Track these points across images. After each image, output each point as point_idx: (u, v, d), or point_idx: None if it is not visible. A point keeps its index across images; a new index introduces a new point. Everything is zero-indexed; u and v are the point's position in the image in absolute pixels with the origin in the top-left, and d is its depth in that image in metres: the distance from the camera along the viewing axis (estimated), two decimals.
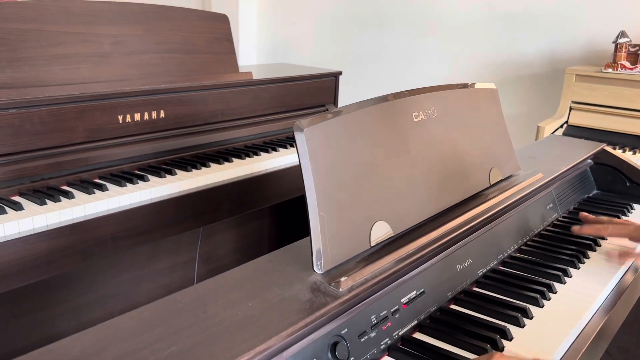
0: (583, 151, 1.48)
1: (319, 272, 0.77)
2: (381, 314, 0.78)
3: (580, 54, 2.70)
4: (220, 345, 0.60)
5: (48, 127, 1.47)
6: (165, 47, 1.83)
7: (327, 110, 2.32)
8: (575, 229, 1.16)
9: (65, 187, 1.46)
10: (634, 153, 2.17)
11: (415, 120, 0.97)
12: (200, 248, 2.04)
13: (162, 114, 1.72)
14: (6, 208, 1.29)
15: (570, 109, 2.39)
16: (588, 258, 1.12)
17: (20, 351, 0.58)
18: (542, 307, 0.92)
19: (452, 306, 0.92)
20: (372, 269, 0.79)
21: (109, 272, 1.76)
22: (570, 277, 1.03)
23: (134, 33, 1.74)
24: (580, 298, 0.96)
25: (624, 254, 1.07)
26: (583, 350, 0.83)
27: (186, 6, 1.96)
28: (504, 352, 0.77)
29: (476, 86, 1.18)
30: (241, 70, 2.09)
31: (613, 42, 2.36)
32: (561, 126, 2.38)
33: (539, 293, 0.94)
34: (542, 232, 1.23)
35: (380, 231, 0.86)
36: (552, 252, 1.11)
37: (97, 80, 1.64)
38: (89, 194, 1.42)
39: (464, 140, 1.09)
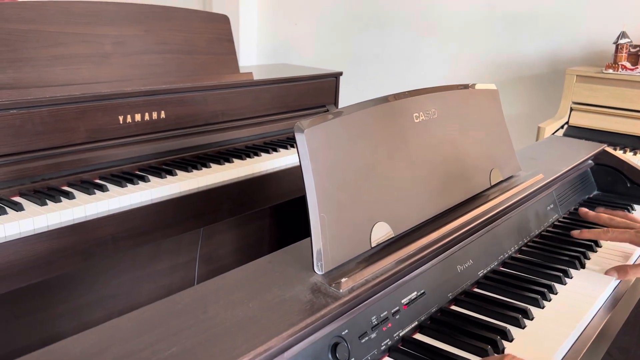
0: (584, 152, 1.48)
1: (319, 272, 0.77)
2: (382, 315, 0.78)
3: (581, 55, 2.70)
4: (221, 346, 0.60)
5: (49, 127, 1.47)
6: (165, 48, 1.83)
7: (327, 110, 2.32)
8: (575, 233, 1.15)
9: (66, 188, 1.46)
10: (635, 154, 2.17)
11: (415, 121, 0.97)
12: (200, 248, 2.04)
13: (162, 115, 1.72)
14: (7, 208, 1.29)
15: (571, 109, 2.39)
16: (589, 259, 1.12)
17: (21, 351, 0.58)
18: (543, 308, 0.92)
19: (453, 307, 0.91)
20: (373, 269, 0.79)
21: (109, 273, 1.76)
22: (571, 278, 1.03)
23: (134, 33, 1.74)
24: (580, 299, 0.96)
25: (622, 271, 1.05)
26: (584, 351, 0.83)
27: (187, 7, 1.96)
28: (509, 353, 0.77)
29: (477, 87, 1.18)
30: (242, 70, 2.09)
31: (614, 43, 2.36)
32: (562, 127, 2.38)
33: (540, 294, 0.94)
34: (543, 232, 1.23)
35: (381, 232, 0.86)
36: (553, 253, 1.11)
37: (97, 80, 1.64)
38: (90, 194, 1.42)
39: (464, 141, 1.09)
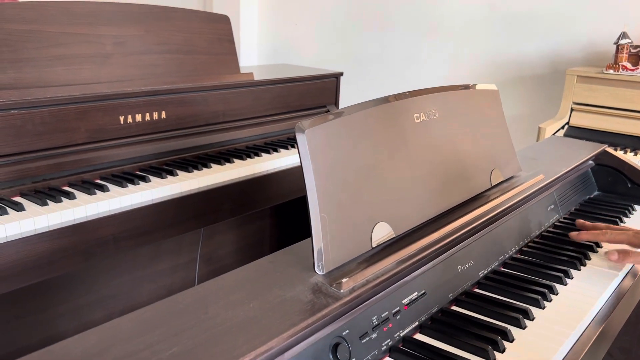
0: (584, 152, 1.48)
1: (320, 273, 0.77)
2: (382, 315, 0.78)
3: (582, 55, 2.70)
4: (222, 346, 0.60)
5: (49, 127, 1.47)
6: (166, 48, 1.83)
7: (328, 111, 2.32)
8: (573, 235, 1.15)
9: (67, 188, 1.46)
10: (636, 154, 2.17)
11: (416, 121, 0.97)
12: (201, 249, 2.04)
13: (163, 115, 1.72)
14: (7, 209, 1.30)
15: (572, 110, 2.39)
16: (589, 259, 1.12)
17: (22, 352, 0.58)
18: (544, 308, 0.92)
19: (453, 307, 0.92)
20: (374, 270, 0.79)
21: (110, 273, 1.76)
22: (572, 278, 1.03)
23: (135, 34, 1.75)
24: (581, 299, 0.96)
25: (623, 253, 1.06)
26: (584, 351, 0.83)
27: (187, 7, 1.96)
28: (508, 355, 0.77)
29: (477, 87, 1.18)
30: (242, 71, 2.09)
31: (614, 43, 2.36)
32: (562, 127, 2.38)
33: (540, 294, 0.94)
34: (544, 233, 1.23)
35: (382, 232, 0.86)
36: (554, 254, 1.11)
37: (98, 80, 1.64)
38: (91, 194, 1.42)
39: (465, 142, 1.09)
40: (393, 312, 0.80)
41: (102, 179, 1.55)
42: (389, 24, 3.27)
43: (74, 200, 1.39)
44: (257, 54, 3.85)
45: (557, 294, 0.97)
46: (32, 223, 1.27)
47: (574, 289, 0.99)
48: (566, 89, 2.40)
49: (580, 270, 1.07)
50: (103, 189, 1.46)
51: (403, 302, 0.82)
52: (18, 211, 1.29)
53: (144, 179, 1.55)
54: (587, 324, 0.90)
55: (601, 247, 1.18)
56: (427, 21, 3.13)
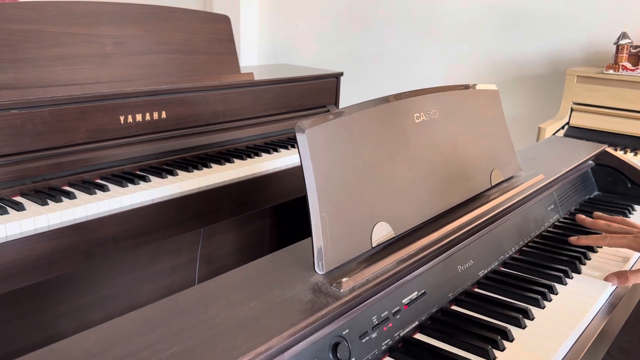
0: (584, 152, 1.48)
1: (320, 272, 0.77)
2: (382, 315, 0.78)
3: (582, 55, 2.70)
4: (222, 346, 0.60)
5: (50, 127, 1.47)
6: (166, 48, 1.83)
7: (328, 111, 2.32)
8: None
9: (67, 188, 1.46)
10: (635, 154, 2.17)
11: (416, 121, 0.98)
12: (201, 249, 2.04)
13: (163, 115, 1.72)
14: (8, 208, 1.30)
15: (572, 110, 2.39)
16: (589, 259, 1.12)
17: (22, 352, 0.58)
18: (543, 308, 0.92)
19: (453, 307, 0.92)
20: (374, 269, 0.79)
21: (110, 273, 1.76)
22: (572, 278, 1.03)
23: (135, 34, 1.75)
24: (581, 299, 0.96)
25: (622, 277, 1.05)
26: (584, 351, 0.83)
27: (187, 7, 1.96)
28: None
29: (477, 87, 1.18)
30: (242, 71, 2.10)
31: (614, 44, 2.36)
32: (562, 127, 2.38)
33: (540, 294, 0.94)
34: (543, 233, 1.23)
35: (382, 232, 0.86)
36: (553, 254, 1.11)
37: (98, 80, 1.64)
38: (91, 194, 1.43)
39: (465, 141, 1.09)
40: (393, 311, 0.80)
41: (102, 178, 1.55)
42: (388, 24, 3.27)
43: (74, 200, 1.39)
44: (257, 54, 3.85)
45: (556, 294, 0.97)
46: (33, 223, 1.27)
47: (573, 289, 1.00)
48: (566, 89, 2.40)
49: (580, 270, 1.07)
50: (103, 188, 1.46)
51: (403, 301, 0.82)
52: (18, 211, 1.29)
53: (144, 179, 1.55)
54: (587, 324, 0.90)
55: (601, 247, 1.18)
56: (427, 21, 3.13)
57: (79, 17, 1.63)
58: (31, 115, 1.43)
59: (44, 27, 1.55)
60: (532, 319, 0.89)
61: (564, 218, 1.33)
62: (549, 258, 1.10)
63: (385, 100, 0.93)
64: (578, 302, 0.95)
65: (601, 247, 1.17)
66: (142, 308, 0.67)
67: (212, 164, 1.73)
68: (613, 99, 2.28)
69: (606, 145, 1.55)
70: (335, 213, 0.79)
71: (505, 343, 0.82)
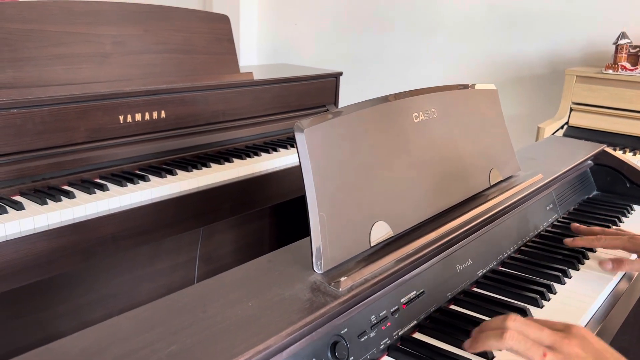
0: (583, 152, 1.48)
1: (318, 271, 0.77)
2: (381, 314, 0.78)
3: (581, 55, 2.70)
4: (220, 345, 0.60)
5: (49, 127, 1.47)
6: (165, 48, 1.83)
7: (327, 110, 2.32)
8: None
9: (66, 187, 1.46)
10: (634, 154, 2.17)
11: (415, 120, 0.98)
12: (200, 248, 2.04)
13: (163, 114, 1.73)
14: (7, 208, 1.30)
15: (571, 110, 2.40)
16: (587, 259, 1.12)
17: (21, 351, 0.58)
18: (542, 307, 0.93)
19: (452, 306, 0.92)
20: (372, 269, 0.79)
21: (110, 272, 1.77)
22: (570, 277, 1.04)
23: (134, 33, 1.75)
24: (579, 298, 0.96)
25: (617, 262, 1.05)
26: None
27: (187, 6, 1.96)
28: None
29: (476, 87, 1.18)
30: (242, 70, 2.10)
31: (613, 44, 2.36)
32: (561, 127, 2.39)
33: (539, 294, 0.95)
34: (542, 232, 1.23)
35: (380, 231, 0.86)
36: (552, 253, 1.12)
37: (98, 80, 1.64)
38: (90, 193, 1.43)
39: (464, 141, 1.09)
40: (391, 310, 0.80)
41: (101, 178, 1.56)
42: (388, 23, 3.27)
43: (74, 199, 1.39)
44: (256, 54, 3.85)
45: (555, 293, 0.97)
46: (32, 222, 1.27)
47: (572, 289, 1.00)
48: (565, 88, 2.40)
49: (578, 269, 1.07)
50: (102, 188, 1.46)
51: (401, 301, 0.83)
52: (18, 210, 1.30)
53: (143, 179, 1.55)
54: (585, 323, 0.90)
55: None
56: (426, 21, 3.13)
57: (78, 16, 1.63)
58: (31, 114, 1.43)
59: (44, 27, 1.55)
60: None
61: (563, 218, 1.33)
62: (547, 258, 1.10)
63: (384, 99, 0.93)
64: (576, 302, 0.95)
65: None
66: (140, 307, 0.67)
67: (212, 164, 1.73)
68: (612, 98, 2.28)
69: (605, 145, 1.55)
70: (334, 212, 0.79)
71: None
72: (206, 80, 1.88)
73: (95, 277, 1.72)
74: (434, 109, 1.03)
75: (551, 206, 1.30)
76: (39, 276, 1.29)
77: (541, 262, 1.07)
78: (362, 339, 0.75)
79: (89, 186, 1.45)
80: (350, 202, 0.82)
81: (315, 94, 2.29)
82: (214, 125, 1.90)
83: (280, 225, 2.36)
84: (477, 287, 0.98)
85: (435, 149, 1.01)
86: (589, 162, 1.51)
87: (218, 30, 2.00)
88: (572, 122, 2.38)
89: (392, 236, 0.88)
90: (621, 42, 2.33)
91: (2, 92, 1.41)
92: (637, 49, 2.34)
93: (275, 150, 1.94)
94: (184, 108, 1.79)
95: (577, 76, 2.37)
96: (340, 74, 2.39)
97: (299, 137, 0.77)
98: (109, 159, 1.60)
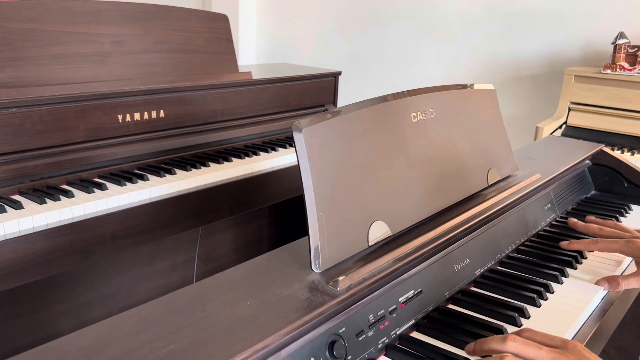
0: (581, 152, 1.49)
1: (317, 271, 0.77)
2: (379, 313, 0.79)
3: (579, 55, 2.70)
4: (219, 344, 0.60)
5: (48, 126, 1.47)
6: (164, 47, 1.83)
7: (326, 110, 2.32)
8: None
9: (65, 186, 1.46)
10: (633, 154, 2.17)
11: (414, 120, 0.98)
12: (199, 247, 2.04)
13: (161, 114, 1.73)
14: (6, 207, 1.30)
15: (569, 109, 2.40)
16: (585, 258, 1.12)
17: (20, 350, 0.58)
18: (540, 306, 0.93)
19: (450, 306, 0.92)
20: (370, 268, 0.80)
21: (109, 272, 1.77)
22: (568, 277, 1.04)
23: (133, 33, 1.75)
24: (577, 298, 0.96)
25: (613, 282, 1.04)
26: None
27: (186, 6, 1.96)
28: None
29: (475, 87, 1.18)
30: (241, 70, 2.10)
31: (612, 43, 2.37)
32: (560, 127, 2.39)
33: (537, 293, 0.95)
34: (540, 232, 1.23)
35: (378, 231, 0.86)
36: (550, 252, 1.12)
37: (97, 79, 1.64)
38: (89, 193, 1.43)
39: (462, 141, 1.09)
40: (389, 310, 0.81)
41: (100, 177, 1.56)
42: (387, 23, 3.27)
43: (73, 198, 1.39)
44: (255, 53, 3.85)
45: (553, 293, 0.98)
46: (31, 221, 1.28)
47: (570, 288, 1.00)
48: (564, 88, 2.41)
49: (576, 269, 1.08)
50: (101, 187, 1.46)
51: (399, 300, 0.83)
52: (16, 209, 1.30)
53: (142, 178, 1.55)
54: (582, 323, 0.91)
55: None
56: (425, 21, 3.14)
57: (78, 16, 1.63)
58: (30, 113, 1.43)
59: (43, 26, 1.55)
60: (528, 318, 0.89)
61: (561, 217, 1.33)
62: (545, 257, 1.10)
63: (383, 99, 0.94)
64: (574, 301, 0.95)
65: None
66: (139, 306, 0.67)
67: (211, 163, 1.73)
68: (610, 98, 2.29)
69: (603, 145, 1.56)
70: (332, 212, 0.79)
71: None
72: (205, 80, 1.88)
73: (95, 276, 1.73)
74: (433, 108, 1.03)
75: (549, 206, 1.31)
76: (38, 275, 1.29)
77: (539, 262, 1.08)
78: (360, 338, 0.75)
79: (88, 185, 1.45)
80: (349, 201, 0.82)
81: (314, 93, 2.29)
82: (213, 125, 1.90)
83: (278, 224, 2.36)
84: (475, 287, 0.99)
85: (434, 148, 1.01)
86: (587, 161, 1.51)
87: (217, 30, 2.00)
88: (571, 122, 2.38)
89: (390, 236, 0.88)
90: (619, 42, 2.33)
91: (1, 91, 1.42)
92: (636, 49, 2.34)
93: (274, 149, 1.94)
94: (183, 107, 1.79)
95: (575, 76, 2.37)
96: (339, 73, 2.40)
97: (298, 137, 0.77)
98: (107, 159, 1.60)
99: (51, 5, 1.58)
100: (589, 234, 1.14)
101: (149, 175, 1.58)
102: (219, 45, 2.00)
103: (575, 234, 1.18)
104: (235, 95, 1.96)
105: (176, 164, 1.70)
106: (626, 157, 2.01)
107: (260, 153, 1.88)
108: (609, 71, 2.31)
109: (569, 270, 1.06)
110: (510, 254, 1.11)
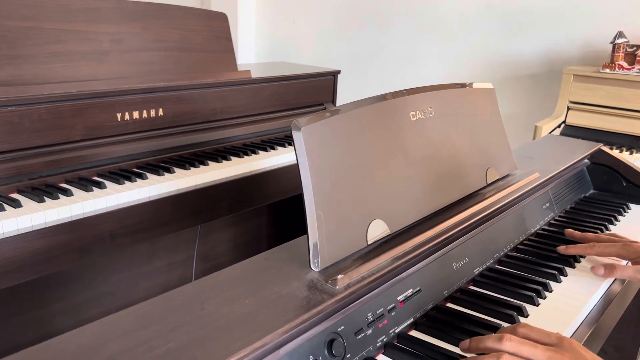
0: (580, 151, 1.49)
1: (315, 269, 0.77)
2: (378, 312, 0.79)
3: (578, 54, 2.71)
4: (217, 342, 0.61)
5: (47, 124, 1.47)
6: (163, 45, 1.83)
7: (325, 109, 2.32)
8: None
9: (64, 185, 1.46)
10: (631, 153, 2.17)
11: (412, 119, 0.98)
12: (198, 246, 2.04)
13: (160, 112, 1.73)
14: (5, 205, 1.30)
15: (568, 108, 2.40)
16: (584, 257, 1.12)
17: (19, 348, 0.58)
18: (538, 305, 0.93)
19: (449, 304, 0.92)
20: (369, 266, 0.80)
21: (107, 270, 1.77)
22: (566, 276, 1.04)
23: (132, 31, 1.75)
24: (575, 297, 0.96)
25: (609, 268, 1.05)
26: None
27: (184, 4, 1.96)
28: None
29: (474, 86, 1.18)
30: (240, 68, 2.09)
31: (611, 43, 2.37)
32: (559, 126, 2.39)
33: (535, 292, 0.95)
34: (539, 231, 1.23)
35: (377, 229, 0.86)
36: (548, 252, 1.12)
37: (96, 78, 1.64)
38: (88, 191, 1.43)
39: (461, 140, 1.09)
40: (388, 308, 0.81)
41: (99, 175, 1.56)
42: (386, 22, 3.27)
43: (71, 197, 1.39)
44: (254, 52, 3.85)
45: (551, 292, 0.98)
46: (29, 220, 1.27)
47: (568, 287, 1.00)
48: (562, 87, 2.41)
49: (574, 268, 1.08)
50: (100, 185, 1.46)
51: (398, 298, 0.83)
52: (15, 208, 1.30)
53: (141, 176, 1.55)
54: (580, 321, 0.91)
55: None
56: (424, 20, 3.14)
57: (76, 14, 1.62)
58: (28, 112, 1.43)
59: (42, 24, 1.55)
60: (527, 317, 0.89)
61: (559, 216, 1.33)
62: (544, 256, 1.10)
63: (382, 98, 0.94)
64: (572, 300, 0.95)
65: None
66: (138, 304, 0.67)
67: (209, 162, 1.73)
68: (609, 98, 2.29)
69: (602, 144, 1.56)
70: (331, 210, 0.79)
71: None
72: (204, 78, 1.88)
73: (93, 275, 1.73)
74: (432, 107, 1.03)
75: (548, 205, 1.31)
76: (36, 274, 1.29)
77: (537, 261, 1.08)
78: (359, 337, 0.75)
79: (87, 184, 1.45)
80: (347, 200, 0.82)
81: (313, 92, 2.29)
82: (212, 123, 1.90)
83: (277, 223, 2.36)
84: (473, 285, 0.99)
85: (433, 147, 1.01)
86: (586, 161, 1.51)
87: (216, 28, 2.00)
88: (569, 121, 2.39)
89: (389, 234, 0.88)
90: (618, 41, 2.33)
91: (0, 89, 1.41)
92: (634, 48, 2.34)
93: (272, 148, 1.94)
94: (181, 106, 1.79)
95: (574, 75, 2.37)
96: (338, 72, 2.40)
97: (297, 136, 0.77)
98: (106, 157, 1.60)
99: (49, 3, 1.58)
100: (586, 242, 1.14)
101: (148, 174, 1.58)
102: (218, 43, 2.00)
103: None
104: (234, 93, 1.96)
105: (175, 162, 1.70)
106: (625, 156, 2.01)
107: (259, 152, 1.88)
108: (607, 70, 2.31)
109: (567, 269, 1.06)
110: (509, 253, 1.11)
